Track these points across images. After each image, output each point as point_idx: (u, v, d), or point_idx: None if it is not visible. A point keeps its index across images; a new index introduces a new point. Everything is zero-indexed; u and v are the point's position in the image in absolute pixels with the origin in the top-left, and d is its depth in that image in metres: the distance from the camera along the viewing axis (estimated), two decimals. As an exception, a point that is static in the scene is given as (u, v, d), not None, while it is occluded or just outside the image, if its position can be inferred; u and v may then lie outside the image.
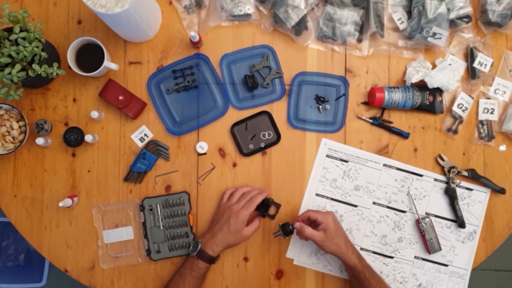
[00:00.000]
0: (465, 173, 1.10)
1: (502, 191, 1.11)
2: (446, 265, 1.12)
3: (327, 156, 1.11)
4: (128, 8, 0.89)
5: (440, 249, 1.10)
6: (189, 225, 1.08)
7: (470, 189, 1.12)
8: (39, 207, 1.09)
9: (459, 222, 1.10)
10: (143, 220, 1.08)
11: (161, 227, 1.08)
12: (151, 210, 1.08)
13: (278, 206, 1.08)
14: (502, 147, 1.14)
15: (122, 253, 1.09)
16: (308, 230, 0.98)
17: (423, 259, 1.11)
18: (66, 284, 1.50)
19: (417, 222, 1.10)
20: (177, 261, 1.10)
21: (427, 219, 1.10)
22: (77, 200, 1.09)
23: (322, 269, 1.10)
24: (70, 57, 1.02)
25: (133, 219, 1.09)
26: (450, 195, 1.11)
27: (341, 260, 1.00)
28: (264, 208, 1.06)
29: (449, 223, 1.12)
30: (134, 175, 1.10)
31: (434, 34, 1.06)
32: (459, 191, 1.12)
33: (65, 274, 1.10)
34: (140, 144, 1.10)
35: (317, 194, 1.11)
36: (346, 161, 1.11)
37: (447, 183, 1.11)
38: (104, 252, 1.09)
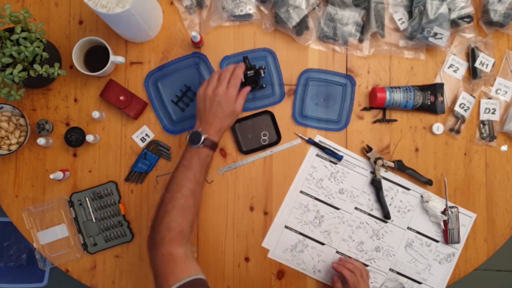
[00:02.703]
0: (391, 164, 1.09)
1: (429, 182, 1.10)
2: (419, 283, 1.11)
3: (317, 155, 1.11)
4: (129, 8, 0.89)
5: (458, 242, 1.09)
6: (121, 214, 1.09)
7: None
8: (40, 208, 1.09)
9: (384, 214, 1.10)
10: (74, 216, 1.08)
11: (94, 220, 1.08)
12: (80, 204, 1.08)
13: (262, 69, 1.03)
14: (504, 147, 1.14)
15: (60, 251, 1.09)
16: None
17: (398, 273, 1.11)
18: (67, 285, 1.50)
19: (444, 209, 1.10)
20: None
21: (455, 209, 1.09)
22: (68, 174, 1.09)
23: (295, 267, 1.10)
24: (76, 58, 1.02)
25: (65, 216, 1.09)
26: (376, 186, 1.10)
27: None
28: (252, 80, 1.03)
29: (429, 241, 1.12)
30: (135, 175, 1.10)
31: (435, 34, 1.06)
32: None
33: (67, 274, 1.10)
34: (142, 144, 1.10)
35: (301, 192, 1.11)
36: (335, 163, 1.11)
37: (372, 172, 1.11)
38: (42, 253, 1.09)
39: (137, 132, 1.10)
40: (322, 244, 1.11)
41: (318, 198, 1.11)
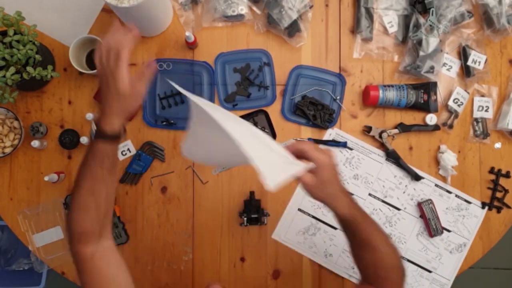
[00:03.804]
0: (396, 131, 1.10)
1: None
2: (429, 271, 1.12)
3: (333, 140, 1.12)
4: (141, 3, 0.90)
5: (442, 232, 1.10)
6: (116, 216, 1.09)
7: (469, 202, 1.12)
8: (36, 210, 1.09)
9: (414, 177, 1.10)
10: None
11: None
12: None
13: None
14: (497, 145, 1.14)
15: (56, 254, 1.09)
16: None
17: (408, 260, 1.12)
18: (65, 287, 1.50)
19: (419, 204, 1.11)
20: (173, 261, 1.10)
21: (429, 201, 1.10)
22: (63, 176, 1.09)
23: (307, 250, 1.11)
24: (73, 56, 1.02)
25: (60, 218, 1.09)
26: (393, 157, 1.11)
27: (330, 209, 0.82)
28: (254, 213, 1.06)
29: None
30: (130, 176, 1.10)
31: (432, 67, 1.09)
32: (457, 201, 1.12)
33: (64, 277, 1.10)
34: (121, 158, 1.10)
35: None
36: (351, 149, 1.12)
37: (383, 145, 1.11)
38: (37, 256, 1.09)
39: (119, 145, 1.09)
40: (335, 228, 1.11)
41: None
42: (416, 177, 1.10)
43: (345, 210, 0.81)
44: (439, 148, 1.12)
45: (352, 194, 1.11)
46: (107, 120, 0.78)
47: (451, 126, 1.12)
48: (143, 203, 1.11)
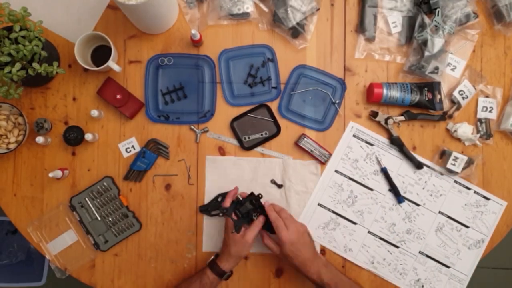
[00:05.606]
0: (402, 118, 1.11)
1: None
2: (448, 267, 1.12)
3: (354, 136, 1.12)
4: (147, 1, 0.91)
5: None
6: (124, 206, 1.09)
7: (487, 199, 1.13)
8: (39, 206, 1.10)
9: (416, 165, 1.11)
10: (79, 219, 1.09)
11: (99, 218, 1.09)
12: (82, 206, 1.09)
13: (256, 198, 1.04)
14: (500, 145, 1.14)
15: (73, 257, 1.09)
16: (266, 241, 1.02)
17: (427, 256, 1.12)
18: (66, 283, 1.50)
19: (296, 143, 1.11)
20: (176, 259, 1.10)
21: (302, 136, 1.10)
22: (67, 173, 1.09)
23: (326, 245, 1.11)
24: (79, 52, 1.02)
25: (70, 222, 1.09)
26: (397, 144, 1.11)
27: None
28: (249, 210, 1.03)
29: (459, 226, 1.13)
30: (134, 173, 1.10)
31: (436, 68, 1.09)
32: (475, 197, 1.13)
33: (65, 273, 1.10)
34: (126, 155, 1.10)
35: (336, 171, 1.12)
36: (372, 145, 1.12)
37: (388, 131, 1.11)
38: (56, 264, 1.09)
39: (124, 142, 1.10)
40: (355, 223, 1.12)
41: (352, 178, 1.12)
42: (419, 165, 1.11)
43: (313, 276, 0.97)
44: (448, 131, 1.13)
45: (372, 190, 1.12)
46: (223, 261, 1.00)
47: (450, 116, 1.13)
48: (147, 200, 1.11)
